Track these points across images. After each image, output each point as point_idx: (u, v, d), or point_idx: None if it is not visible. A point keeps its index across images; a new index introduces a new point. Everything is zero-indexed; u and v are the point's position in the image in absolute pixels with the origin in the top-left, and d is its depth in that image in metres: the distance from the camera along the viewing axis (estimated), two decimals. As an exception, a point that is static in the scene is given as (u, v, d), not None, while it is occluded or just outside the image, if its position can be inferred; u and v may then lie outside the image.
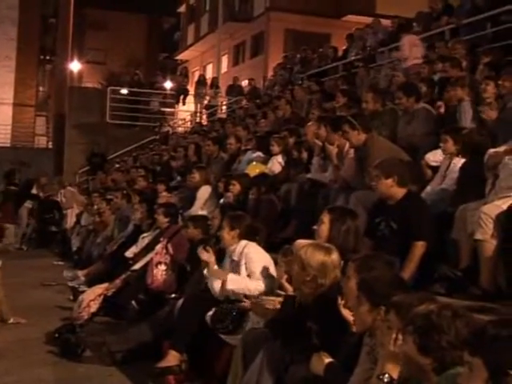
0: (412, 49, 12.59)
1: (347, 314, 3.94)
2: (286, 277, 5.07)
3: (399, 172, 5.86)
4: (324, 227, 5.39)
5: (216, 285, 6.42)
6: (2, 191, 19.15)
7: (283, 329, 4.78)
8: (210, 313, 6.12)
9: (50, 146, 32.36)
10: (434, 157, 7.37)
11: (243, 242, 6.47)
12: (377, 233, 5.92)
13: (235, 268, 6.39)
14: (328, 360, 3.96)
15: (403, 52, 12.71)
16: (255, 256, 6.36)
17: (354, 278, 3.86)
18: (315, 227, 5.54)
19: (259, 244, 6.57)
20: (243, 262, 6.31)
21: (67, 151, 24.94)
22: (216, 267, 6.51)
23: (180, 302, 6.71)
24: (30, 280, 11.74)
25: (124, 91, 27.25)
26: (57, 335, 7.43)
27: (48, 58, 43.16)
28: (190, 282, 7.49)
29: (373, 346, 3.59)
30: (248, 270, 6.26)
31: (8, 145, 35.87)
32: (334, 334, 4.14)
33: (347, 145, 7.87)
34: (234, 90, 25.12)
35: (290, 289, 4.93)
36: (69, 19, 26.01)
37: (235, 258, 6.43)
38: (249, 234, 6.61)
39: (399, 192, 5.85)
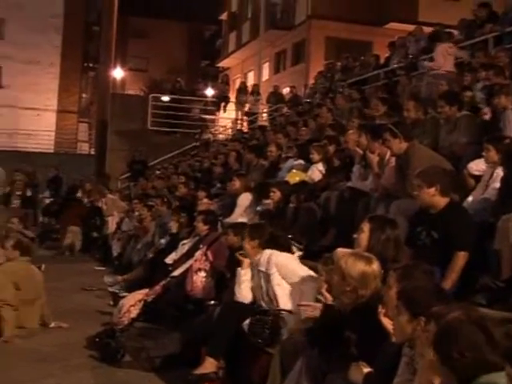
0: (446, 57, 12.51)
1: (387, 323, 3.91)
2: (325, 286, 5.04)
3: (442, 181, 5.80)
4: (364, 236, 5.36)
5: (244, 287, 6.48)
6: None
7: (322, 337, 4.76)
8: (247, 321, 6.12)
9: (92, 152, 32.65)
10: (477, 166, 7.29)
11: (267, 252, 6.44)
12: (418, 242, 5.87)
13: (265, 278, 6.37)
14: (367, 370, 3.94)
15: (437, 61, 12.63)
16: (289, 262, 6.36)
17: (395, 288, 3.83)
18: (355, 236, 5.51)
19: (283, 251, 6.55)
20: (273, 270, 6.28)
21: (109, 157, 25.18)
22: (249, 270, 6.56)
23: (218, 308, 6.72)
24: (71, 284, 11.85)
25: (165, 98, 27.44)
26: (97, 340, 7.48)
27: (91, 65, 43.60)
28: (228, 289, 7.49)
29: (412, 357, 3.56)
30: (283, 275, 6.24)
31: (51, 151, 36.29)
32: (372, 343, 4.11)
33: (388, 153, 7.82)
34: (274, 97, 25.15)
35: (329, 298, 4.91)
36: (112, 27, 26.26)
37: (262, 269, 6.39)
38: (270, 243, 6.59)
39: (441, 201, 5.79)
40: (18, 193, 18.89)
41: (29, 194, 19.30)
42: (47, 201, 20.84)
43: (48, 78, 41.60)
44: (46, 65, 41.37)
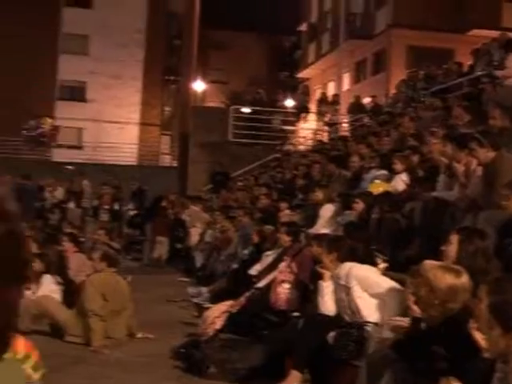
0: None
1: (480, 337, 3.82)
2: (413, 299, 4.97)
3: (531, 191, 5.67)
4: (452, 248, 5.26)
5: (327, 300, 6.43)
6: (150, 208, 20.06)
7: (410, 351, 4.69)
8: (332, 334, 6.07)
9: (174, 165, 33.08)
10: None
11: (347, 265, 6.38)
12: (507, 253, 5.73)
13: (345, 291, 6.31)
14: (457, 385, 3.86)
15: (509, 69, 12.34)
16: (369, 275, 6.29)
17: (486, 301, 3.74)
18: (443, 248, 5.41)
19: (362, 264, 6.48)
20: (353, 283, 6.21)
21: (191, 169, 25.46)
22: (331, 282, 6.53)
23: (302, 320, 6.70)
24: (156, 295, 11.99)
25: (246, 110, 27.60)
26: (182, 350, 7.55)
27: (172, 78, 44.27)
28: (312, 301, 7.47)
29: (506, 373, 3.46)
30: (365, 288, 6.18)
31: (134, 163, 36.94)
32: (462, 358, 4.03)
33: (474, 162, 7.67)
34: (355, 107, 25.02)
35: (417, 311, 4.83)
36: (193, 40, 26.60)
37: (342, 282, 6.34)
38: (349, 256, 6.53)
39: (531, 212, 5.65)
40: (106, 206, 19.31)
41: (116, 207, 19.73)
42: (131, 213, 21.20)
43: (130, 91, 42.53)
44: (128, 79, 42.31)
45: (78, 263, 10.28)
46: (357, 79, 35.57)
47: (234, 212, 14.40)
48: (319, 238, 8.10)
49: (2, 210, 1.45)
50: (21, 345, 1.53)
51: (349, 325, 6.12)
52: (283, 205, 12.22)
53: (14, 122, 32.96)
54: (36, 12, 39.30)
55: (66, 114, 39.95)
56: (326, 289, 6.60)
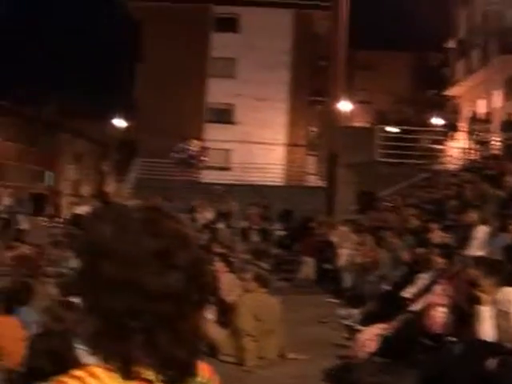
0: None
1: None
2: None
3: None
4: None
5: (486, 325, 6.20)
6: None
7: None
8: (493, 360, 5.85)
9: (320, 185, 33.09)
10: None
11: (507, 290, 6.14)
12: None
13: (504, 317, 6.07)
14: None
15: None
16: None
17: None
18: None
19: None
20: None
21: (339, 190, 25.37)
22: (491, 307, 6.30)
23: (459, 345, 6.51)
24: (305, 316, 11.96)
25: (392, 129, 27.30)
26: (334, 373, 7.50)
27: (318, 99, 44.39)
28: (469, 326, 7.23)
29: None
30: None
31: (281, 183, 37.23)
32: None
33: None
34: (508, 125, 24.21)
35: None
36: (339, 61, 26.63)
37: (503, 308, 6.10)
38: (509, 281, 6.27)
39: None
40: (255, 227, 19.53)
41: (265, 227, 19.91)
42: (279, 233, 21.33)
43: (277, 113, 43.01)
44: (274, 101, 42.78)
45: (228, 283, 10.43)
46: (509, 96, 34.36)
47: (383, 233, 14.20)
48: (477, 260, 7.85)
49: (185, 236, 1.48)
50: (204, 369, 1.55)
51: (510, 352, 5.88)
52: (434, 226, 11.94)
53: (165, 144, 34.00)
54: (187, 39, 40.61)
55: (214, 136, 40.85)
56: (485, 313, 6.38)
